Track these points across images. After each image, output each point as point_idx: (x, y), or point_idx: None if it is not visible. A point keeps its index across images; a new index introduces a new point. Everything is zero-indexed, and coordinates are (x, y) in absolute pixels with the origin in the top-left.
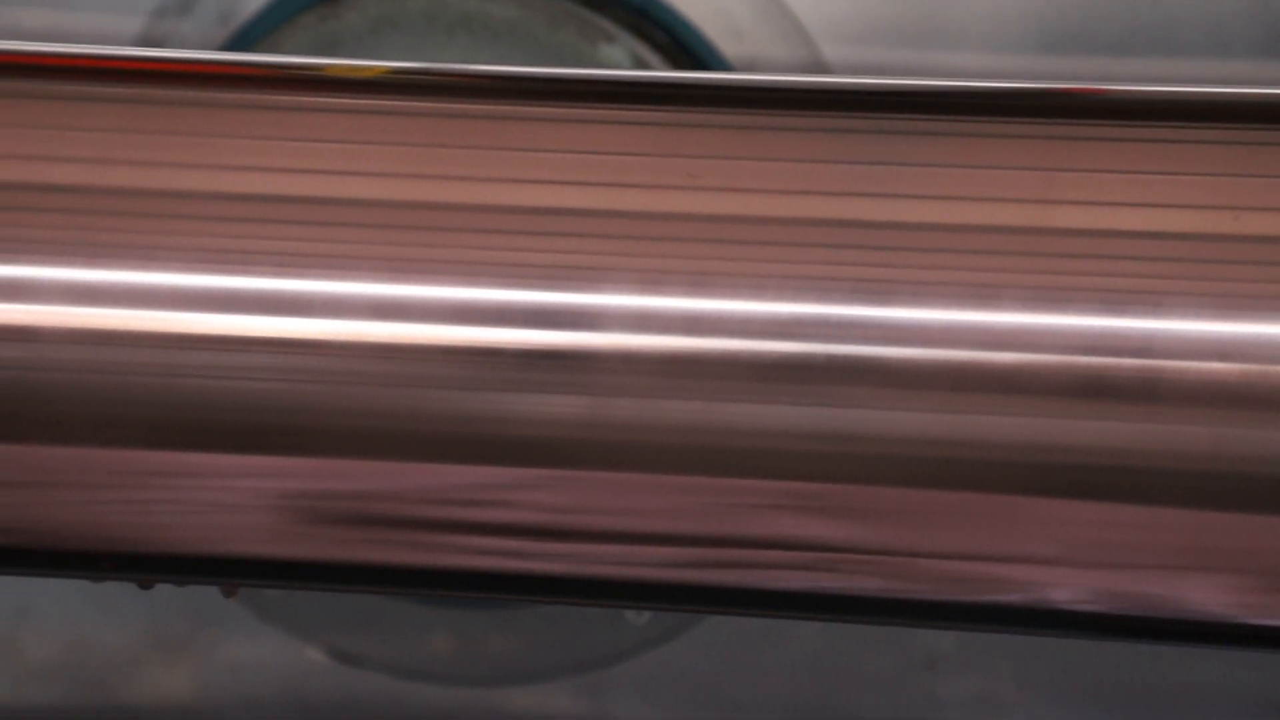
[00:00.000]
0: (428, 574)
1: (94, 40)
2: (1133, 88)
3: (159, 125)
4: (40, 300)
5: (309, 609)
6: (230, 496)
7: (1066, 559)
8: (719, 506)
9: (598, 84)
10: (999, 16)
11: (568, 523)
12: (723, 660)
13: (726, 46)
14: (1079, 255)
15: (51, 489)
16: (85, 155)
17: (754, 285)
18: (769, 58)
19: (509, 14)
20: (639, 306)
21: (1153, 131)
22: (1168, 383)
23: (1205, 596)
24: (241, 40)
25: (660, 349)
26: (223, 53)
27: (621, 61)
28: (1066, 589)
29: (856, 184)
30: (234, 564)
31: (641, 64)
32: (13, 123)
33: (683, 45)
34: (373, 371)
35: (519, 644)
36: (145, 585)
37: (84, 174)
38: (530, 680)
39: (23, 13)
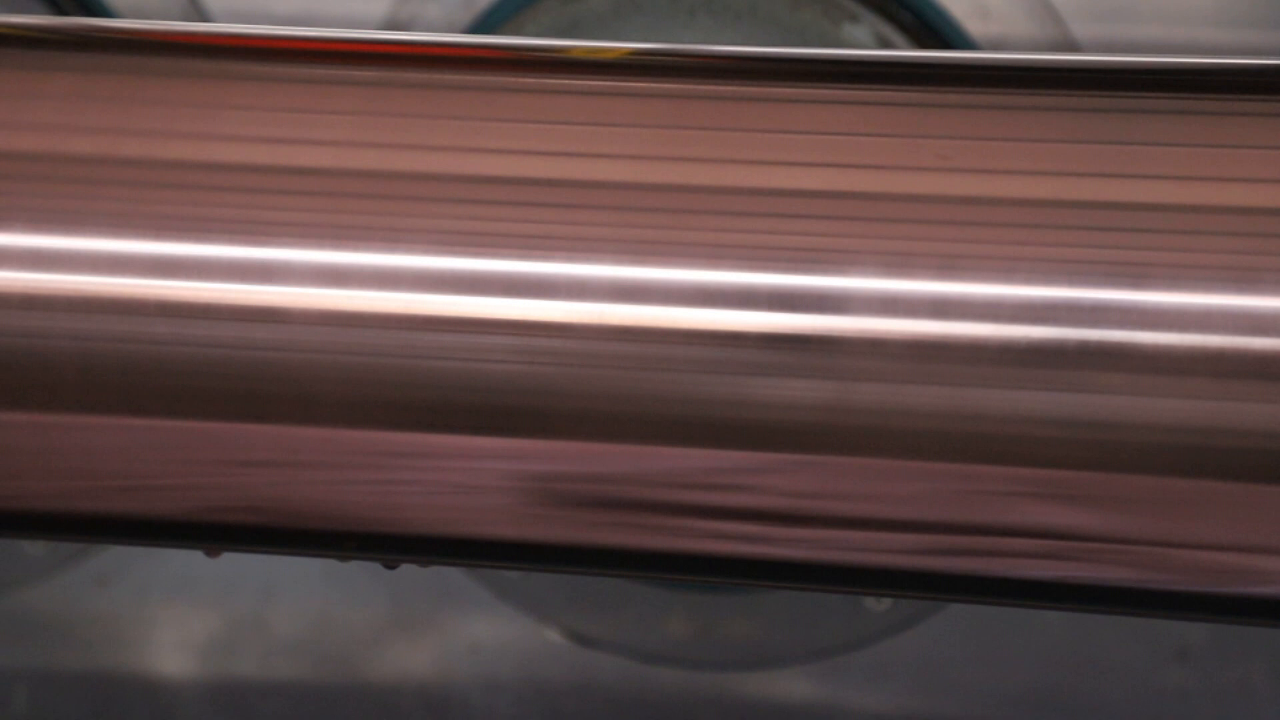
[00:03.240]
0: (668, 558)
1: (341, 24)
2: None
3: (405, 108)
4: (289, 282)
5: (547, 590)
6: (473, 478)
7: None
8: (965, 493)
9: (842, 64)
10: None
11: (810, 508)
12: (963, 648)
13: (973, 25)
14: None
15: (299, 469)
16: (333, 138)
17: (1004, 269)
18: (1017, 36)
19: None
20: (886, 290)
21: None
22: None
23: None
24: (485, 23)
25: (907, 333)
26: (467, 36)
27: (866, 41)
28: None
29: (1110, 165)
30: (476, 545)
31: (886, 44)
32: (263, 106)
33: (928, 24)
34: (616, 354)
35: (757, 629)
36: (390, 565)
37: (332, 156)
38: (767, 665)
39: None
